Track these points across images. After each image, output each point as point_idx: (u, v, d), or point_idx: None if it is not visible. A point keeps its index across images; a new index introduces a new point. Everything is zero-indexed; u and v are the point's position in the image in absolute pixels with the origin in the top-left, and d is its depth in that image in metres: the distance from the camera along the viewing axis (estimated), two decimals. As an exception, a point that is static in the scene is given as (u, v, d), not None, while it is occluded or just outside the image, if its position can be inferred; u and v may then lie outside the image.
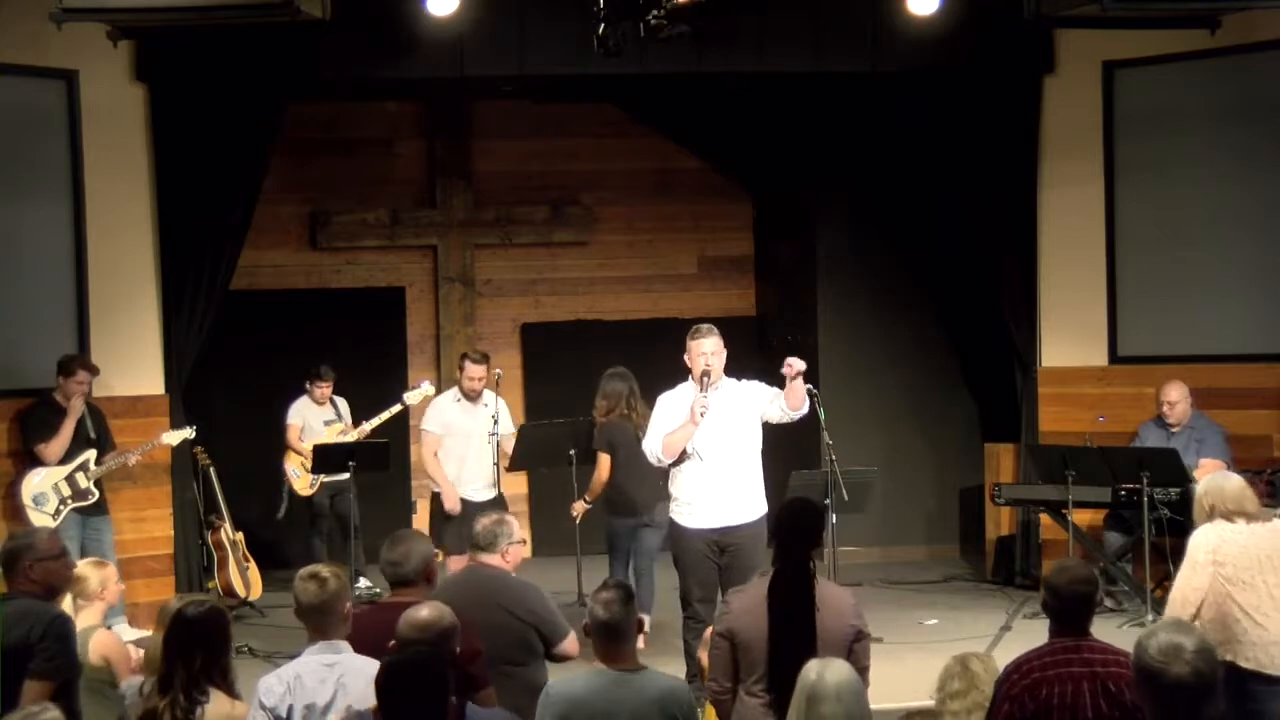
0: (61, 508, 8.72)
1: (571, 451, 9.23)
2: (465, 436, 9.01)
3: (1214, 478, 6.56)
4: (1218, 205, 9.66)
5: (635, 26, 8.16)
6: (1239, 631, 6.12)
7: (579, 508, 9.07)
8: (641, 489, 8.65)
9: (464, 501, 8.96)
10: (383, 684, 3.96)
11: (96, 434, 8.95)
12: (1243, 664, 6.07)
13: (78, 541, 8.70)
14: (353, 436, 10.10)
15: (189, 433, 9.36)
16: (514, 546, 5.81)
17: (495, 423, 9.10)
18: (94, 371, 8.90)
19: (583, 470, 9.18)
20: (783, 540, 5.18)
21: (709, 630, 6.21)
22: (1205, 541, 6.27)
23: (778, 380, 7.18)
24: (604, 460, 8.78)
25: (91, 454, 8.87)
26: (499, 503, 9.02)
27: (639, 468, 8.41)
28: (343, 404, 10.41)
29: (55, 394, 8.83)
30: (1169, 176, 9.82)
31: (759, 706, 4.99)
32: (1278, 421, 9.41)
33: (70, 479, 8.77)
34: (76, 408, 8.74)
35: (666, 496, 7.48)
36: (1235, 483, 6.41)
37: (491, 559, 5.75)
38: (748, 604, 5.11)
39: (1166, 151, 9.80)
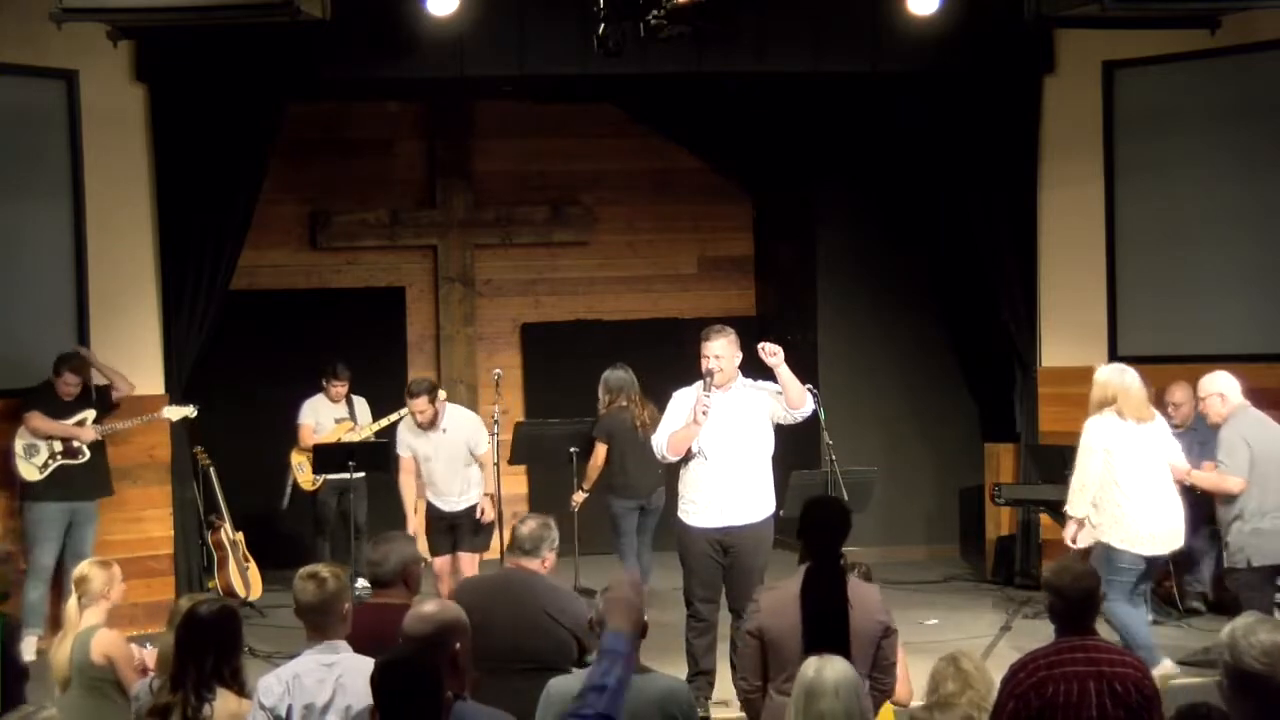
0: (50, 461, 8.73)
1: (572, 450, 9.34)
2: (426, 460, 8.86)
3: (1120, 374, 7.67)
4: (1218, 205, 9.66)
5: (635, 26, 8.17)
6: (1118, 515, 7.42)
7: (578, 498, 9.39)
8: (641, 474, 9.08)
9: (440, 511, 8.94)
10: (378, 682, 3.97)
11: (98, 400, 8.94)
12: (1116, 544, 7.42)
13: (60, 528, 8.72)
14: (358, 436, 10.10)
15: (190, 411, 9.26)
16: (553, 553, 5.87)
17: (494, 436, 9.15)
18: (81, 374, 8.84)
19: (583, 468, 9.38)
20: (813, 538, 5.17)
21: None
22: (1101, 431, 7.47)
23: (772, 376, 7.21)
24: (600, 449, 9.22)
25: (90, 413, 8.87)
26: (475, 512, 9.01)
27: (638, 454, 8.97)
28: (361, 403, 10.40)
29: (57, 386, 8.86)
30: (1169, 176, 9.82)
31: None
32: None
33: (64, 441, 8.76)
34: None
35: (665, 483, 7.61)
36: (1139, 387, 7.58)
37: (533, 564, 5.81)
38: (778, 602, 5.11)
39: (1166, 151, 9.80)
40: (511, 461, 9.51)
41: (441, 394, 8.92)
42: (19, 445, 8.74)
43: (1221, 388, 7.85)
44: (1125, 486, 7.48)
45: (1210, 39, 8.91)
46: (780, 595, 5.14)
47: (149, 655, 5.71)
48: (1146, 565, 7.58)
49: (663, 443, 7.32)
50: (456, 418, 8.91)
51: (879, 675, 5.11)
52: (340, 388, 10.28)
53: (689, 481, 7.32)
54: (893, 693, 5.18)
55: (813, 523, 5.22)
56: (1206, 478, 7.79)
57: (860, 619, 5.02)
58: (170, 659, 4.82)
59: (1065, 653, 4.63)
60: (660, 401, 9.32)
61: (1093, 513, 7.56)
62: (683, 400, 7.35)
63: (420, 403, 8.67)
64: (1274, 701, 3.28)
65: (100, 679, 5.68)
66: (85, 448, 8.84)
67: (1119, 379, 7.60)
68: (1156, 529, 7.52)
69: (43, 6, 7.66)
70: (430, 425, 8.77)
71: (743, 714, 6.97)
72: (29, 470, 8.73)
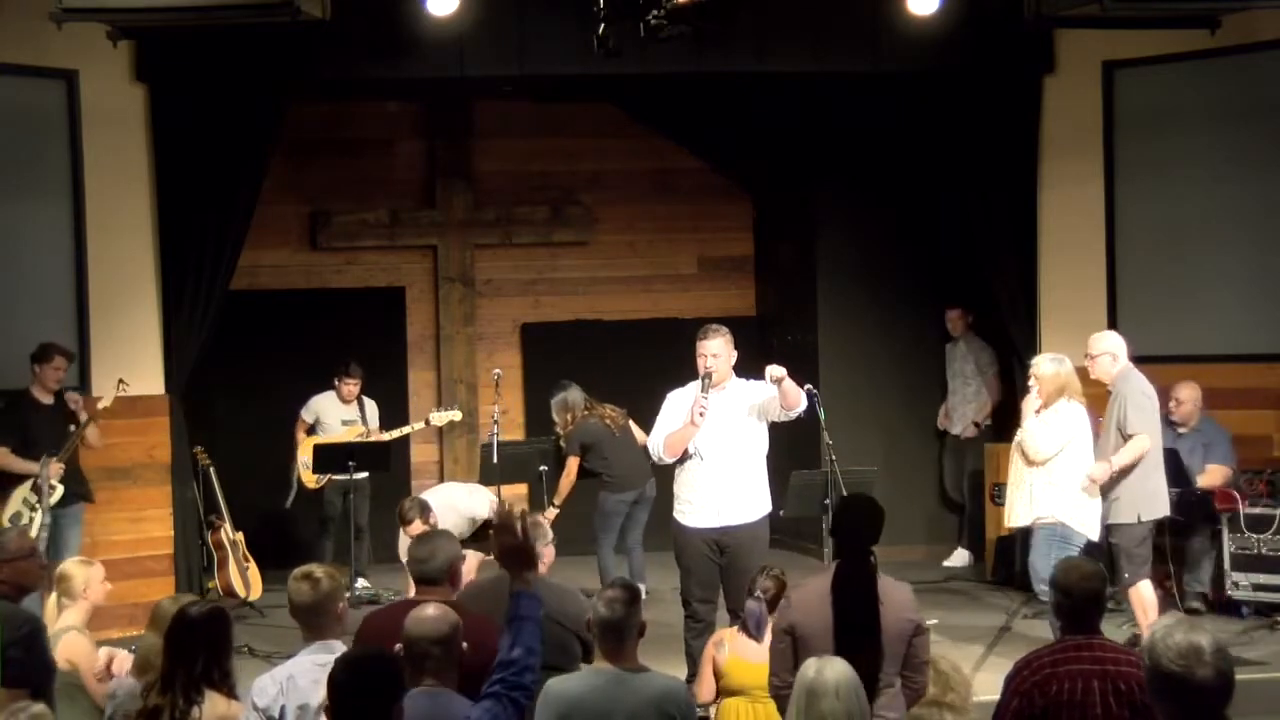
0: (44, 529, 8.29)
1: (542, 468, 9.50)
2: None
3: (1061, 363, 7.90)
4: (1218, 205, 9.66)
5: (635, 26, 8.17)
6: (1079, 498, 7.71)
7: (550, 515, 9.40)
8: (631, 468, 9.36)
9: None
10: (335, 680, 3.95)
11: (64, 411, 8.65)
12: (1075, 525, 7.67)
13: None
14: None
15: (122, 388, 8.87)
16: (548, 549, 5.82)
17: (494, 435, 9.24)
18: (70, 358, 8.69)
19: (554, 486, 9.56)
20: (845, 536, 5.21)
21: (721, 633, 6.25)
22: (1080, 418, 7.75)
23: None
24: (573, 464, 9.47)
25: (47, 459, 8.45)
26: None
27: (621, 451, 9.34)
28: (371, 406, 10.36)
29: (32, 387, 8.61)
30: (1169, 176, 9.82)
31: None
32: (1278, 421, 9.41)
33: (35, 486, 8.45)
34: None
35: (654, 473, 7.66)
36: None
37: None
38: (808, 599, 5.12)
39: (1166, 151, 9.80)
40: (482, 483, 9.56)
41: (433, 517, 8.72)
42: (4, 519, 8.25)
43: (1113, 346, 7.96)
44: (1078, 468, 7.75)
45: (1210, 39, 8.91)
46: (811, 592, 5.15)
47: (119, 661, 5.66)
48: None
49: (659, 444, 7.31)
50: (448, 518, 8.81)
51: (910, 674, 5.08)
52: (353, 386, 10.25)
53: (685, 482, 7.32)
54: (925, 692, 5.15)
55: (843, 521, 5.27)
56: (1126, 454, 7.73)
57: (891, 617, 5.03)
58: (151, 660, 4.78)
59: (1070, 651, 4.63)
60: (624, 403, 9.48)
61: (1051, 492, 7.75)
62: (678, 401, 7.34)
63: (415, 527, 8.52)
64: (1192, 700, 3.31)
65: (67, 681, 5.64)
66: (56, 482, 8.46)
67: (1065, 367, 7.85)
68: (1094, 515, 7.79)
69: (43, 6, 7.67)
70: None
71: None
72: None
